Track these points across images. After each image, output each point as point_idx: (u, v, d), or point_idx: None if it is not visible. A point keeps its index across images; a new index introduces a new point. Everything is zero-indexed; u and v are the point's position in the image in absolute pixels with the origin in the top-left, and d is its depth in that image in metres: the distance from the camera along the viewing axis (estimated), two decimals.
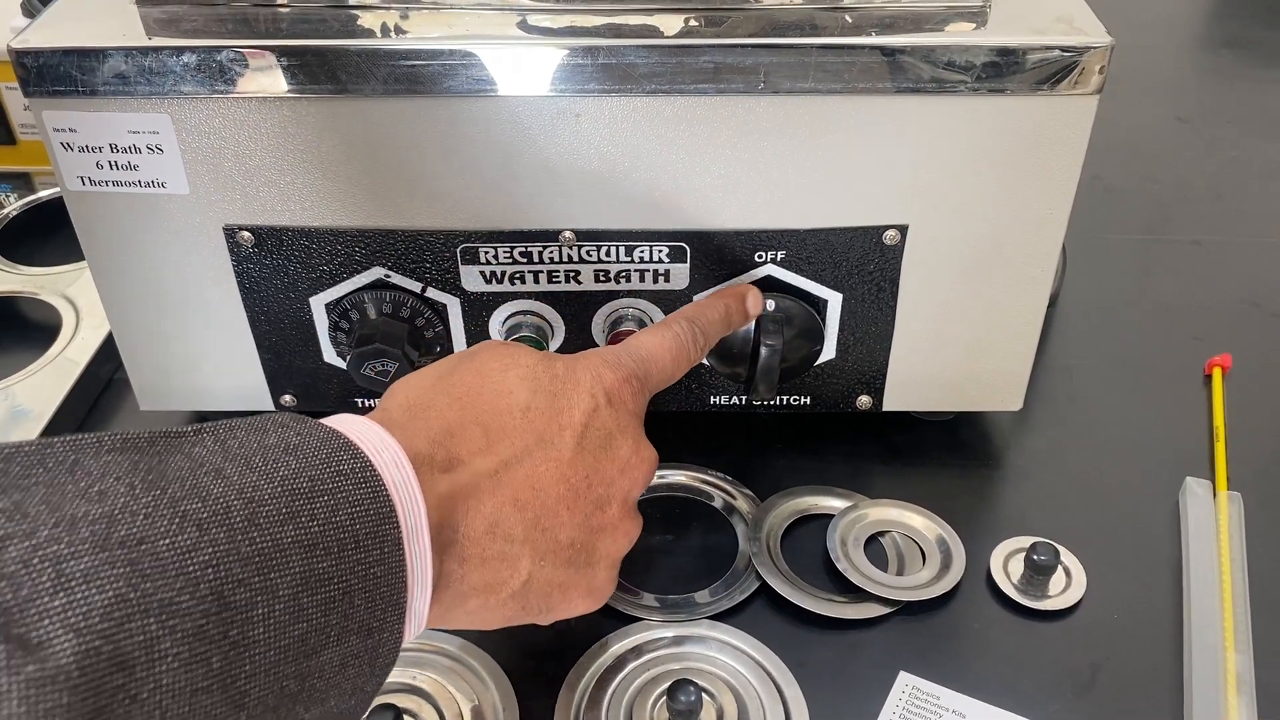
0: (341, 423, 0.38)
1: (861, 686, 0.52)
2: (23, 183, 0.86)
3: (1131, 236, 0.83)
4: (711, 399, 0.62)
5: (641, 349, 0.48)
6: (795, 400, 0.62)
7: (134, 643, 0.28)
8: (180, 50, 0.50)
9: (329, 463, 0.35)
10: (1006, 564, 0.57)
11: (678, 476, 0.63)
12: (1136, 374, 0.70)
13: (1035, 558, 0.55)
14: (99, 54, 0.50)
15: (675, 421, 0.65)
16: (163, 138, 0.53)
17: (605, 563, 0.45)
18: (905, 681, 0.52)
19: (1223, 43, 1.12)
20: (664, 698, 0.50)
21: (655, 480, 0.62)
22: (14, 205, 0.82)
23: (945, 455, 0.64)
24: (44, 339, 0.70)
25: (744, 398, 0.62)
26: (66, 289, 0.74)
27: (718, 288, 0.57)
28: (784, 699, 0.51)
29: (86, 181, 0.54)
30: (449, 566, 0.39)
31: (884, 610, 0.55)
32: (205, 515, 0.31)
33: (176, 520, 0.31)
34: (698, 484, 0.62)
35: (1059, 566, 0.56)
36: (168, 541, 0.30)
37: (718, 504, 0.61)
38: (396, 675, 0.52)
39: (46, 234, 0.81)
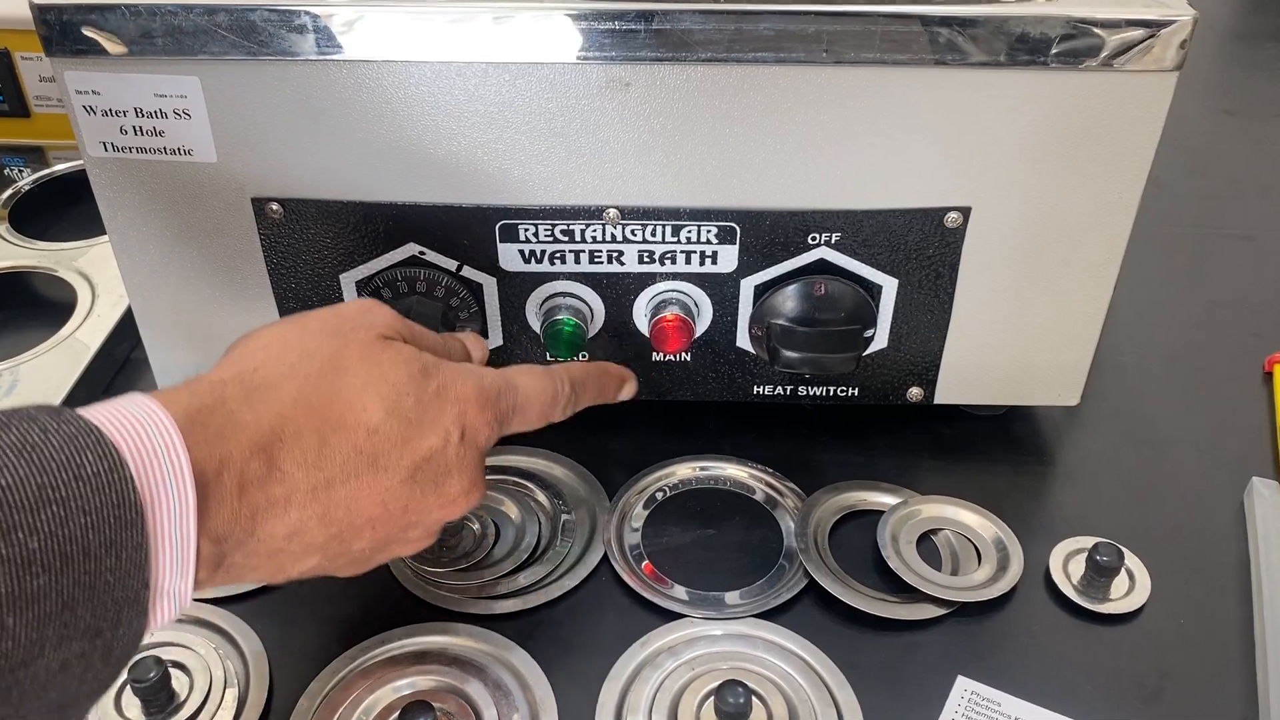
0: (118, 409, 0.35)
1: (917, 691, 0.49)
2: (36, 157, 0.83)
3: (1182, 230, 0.80)
4: (755, 389, 0.59)
5: (519, 392, 0.45)
6: (843, 392, 0.59)
7: None
8: (212, 9, 0.47)
9: (68, 466, 0.32)
10: (1066, 565, 0.54)
11: (720, 469, 0.60)
12: (1193, 371, 0.68)
13: (1098, 558, 0.53)
14: (125, 10, 0.47)
15: (716, 412, 0.62)
16: (190, 102, 0.50)
17: (382, 559, 0.43)
18: (964, 686, 0.49)
19: (1266, 36, 1.10)
20: (710, 698, 0.48)
21: (697, 473, 0.60)
22: (27, 179, 0.80)
23: (996, 451, 0.62)
24: (58, 316, 0.68)
25: (788, 388, 0.59)
26: (83, 265, 0.71)
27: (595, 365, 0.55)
28: (836, 703, 0.48)
29: (109, 147, 0.52)
30: (233, 559, 0.38)
31: (939, 611, 0.52)
32: None
33: None
34: (741, 477, 0.60)
35: (1122, 568, 0.53)
36: None
37: (759, 498, 0.59)
38: (430, 673, 0.49)
39: (61, 209, 0.78)
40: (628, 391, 0.55)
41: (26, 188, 0.80)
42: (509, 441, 0.47)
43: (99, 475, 0.32)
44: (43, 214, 0.78)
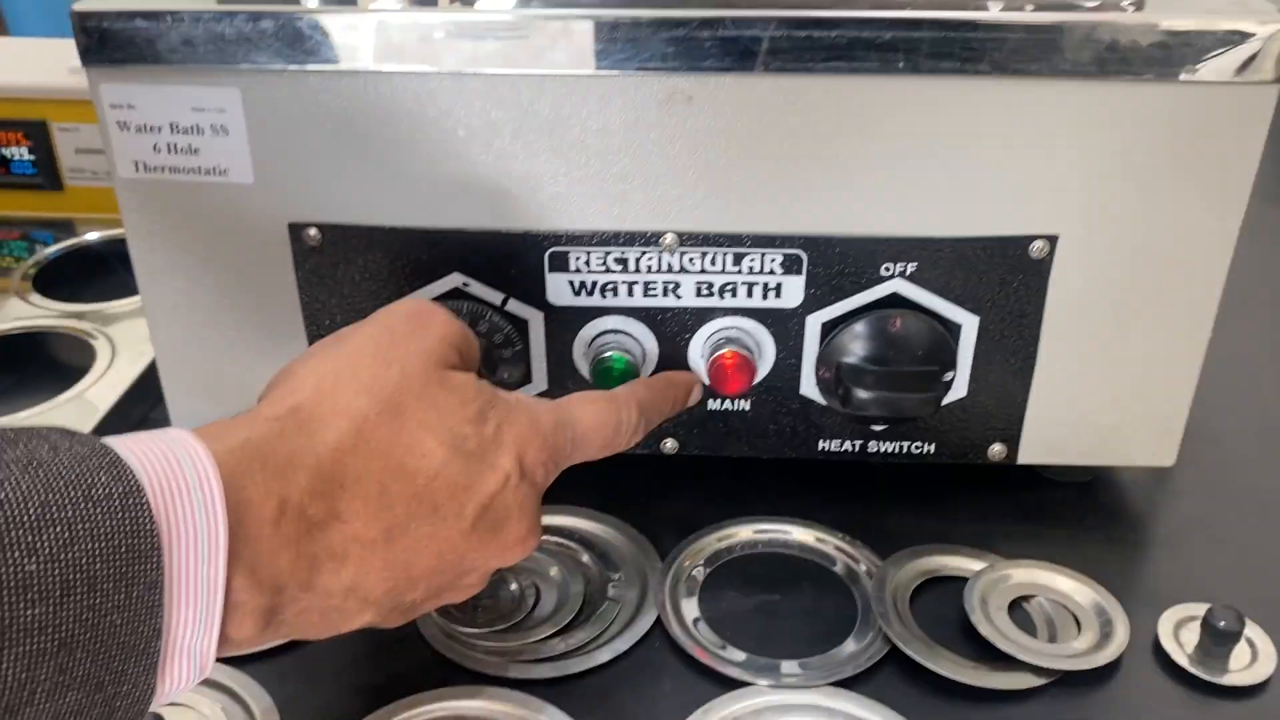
0: (145, 436, 0.32)
1: None
2: (66, 232, 0.81)
3: (1254, 284, 0.76)
4: (820, 444, 0.55)
5: (579, 425, 0.43)
6: (919, 449, 0.54)
7: None
8: (256, 16, 0.45)
9: (77, 485, 0.29)
10: (1178, 633, 0.48)
11: (785, 533, 0.55)
12: None
13: (1216, 623, 0.47)
14: (168, 17, 0.45)
15: (776, 470, 0.57)
16: (229, 116, 0.47)
17: (432, 606, 0.40)
18: None
19: None
20: None
21: (759, 535, 0.54)
22: (53, 247, 0.78)
23: (1086, 517, 0.56)
24: (77, 376, 0.64)
25: (858, 444, 0.54)
26: (105, 326, 0.68)
27: (663, 375, 0.51)
28: None
29: (141, 167, 0.49)
30: (286, 614, 0.35)
31: (1038, 681, 0.46)
32: None
33: None
34: (808, 540, 0.54)
35: (1242, 636, 0.47)
36: None
37: (829, 564, 0.53)
38: None
39: (88, 277, 0.75)
40: (696, 395, 0.51)
41: (53, 255, 0.77)
42: (550, 499, 0.43)
43: (111, 498, 0.29)
44: (68, 282, 0.75)
